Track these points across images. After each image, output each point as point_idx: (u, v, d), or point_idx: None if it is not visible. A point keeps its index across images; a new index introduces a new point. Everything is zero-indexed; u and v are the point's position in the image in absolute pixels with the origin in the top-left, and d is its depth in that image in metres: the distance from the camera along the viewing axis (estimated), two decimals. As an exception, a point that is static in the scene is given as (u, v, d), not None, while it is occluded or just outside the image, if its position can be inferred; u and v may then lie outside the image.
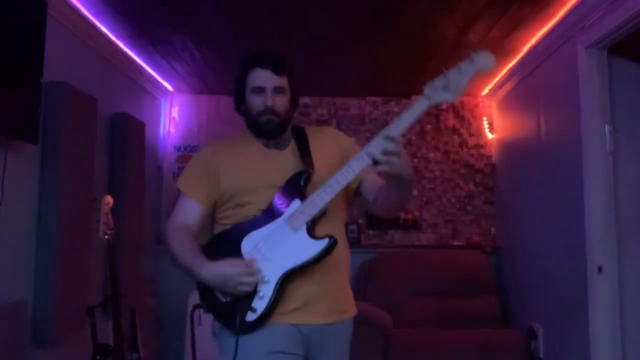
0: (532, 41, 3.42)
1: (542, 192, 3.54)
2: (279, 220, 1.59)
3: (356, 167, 1.54)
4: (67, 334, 2.81)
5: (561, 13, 3.00)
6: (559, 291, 3.28)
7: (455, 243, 4.57)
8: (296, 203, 1.59)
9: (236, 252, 1.59)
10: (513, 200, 4.18)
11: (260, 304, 1.56)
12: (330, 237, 1.56)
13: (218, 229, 1.74)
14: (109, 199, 2.72)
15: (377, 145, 1.49)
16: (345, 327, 1.73)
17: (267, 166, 1.69)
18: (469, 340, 3.59)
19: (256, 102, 1.69)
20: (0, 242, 2.41)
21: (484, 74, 1.58)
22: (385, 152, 1.47)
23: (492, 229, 4.59)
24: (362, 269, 4.29)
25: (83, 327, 2.80)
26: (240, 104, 1.76)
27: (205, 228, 1.78)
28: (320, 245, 1.56)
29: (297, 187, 1.61)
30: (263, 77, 1.68)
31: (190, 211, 1.72)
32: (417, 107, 1.55)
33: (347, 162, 1.55)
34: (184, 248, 1.63)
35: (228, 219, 1.70)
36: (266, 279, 1.56)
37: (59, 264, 2.67)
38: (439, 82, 1.57)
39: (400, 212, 1.59)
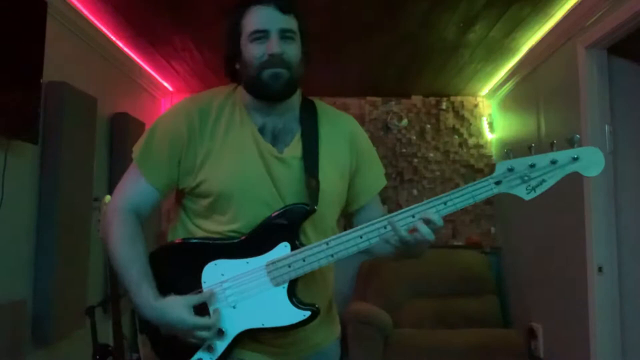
0: (532, 41, 3.42)
1: (542, 192, 3.53)
2: (258, 262, 1.24)
3: (373, 236, 1.22)
4: (67, 333, 2.81)
5: (561, 13, 3.00)
6: (559, 291, 3.28)
7: (455, 243, 4.57)
8: (285, 248, 1.24)
9: (195, 279, 1.24)
10: (513, 200, 4.17)
11: (207, 357, 1.23)
12: (313, 307, 1.24)
13: (184, 221, 1.35)
14: (109, 199, 2.71)
15: (407, 221, 1.20)
16: (325, 352, 1.41)
17: (261, 172, 1.27)
18: (469, 340, 3.59)
19: (257, 51, 1.25)
20: (0, 242, 2.41)
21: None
22: (416, 237, 1.18)
23: (492, 229, 4.59)
24: (362, 269, 4.29)
25: (83, 327, 2.80)
26: (234, 63, 1.31)
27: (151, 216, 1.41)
28: (298, 316, 1.23)
29: (291, 226, 1.24)
30: (265, 17, 1.25)
31: (141, 194, 1.32)
32: (479, 192, 1.24)
33: (362, 228, 1.22)
34: (131, 259, 1.24)
35: (198, 219, 1.32)
36: (224, 330, 1.23)
37: (59, 264, 2.67)
38: (519, 166, 1.21)
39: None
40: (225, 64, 1.34)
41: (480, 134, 4.66)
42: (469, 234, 4.59)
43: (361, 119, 4.69)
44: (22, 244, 2.58)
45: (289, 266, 1.22)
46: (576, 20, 2.91)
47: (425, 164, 4.63)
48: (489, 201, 4.59)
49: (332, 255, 1.22)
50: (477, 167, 4.63)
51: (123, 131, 3.61)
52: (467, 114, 4.69)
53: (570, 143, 1.19)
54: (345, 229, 1.27)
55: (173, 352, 1.26)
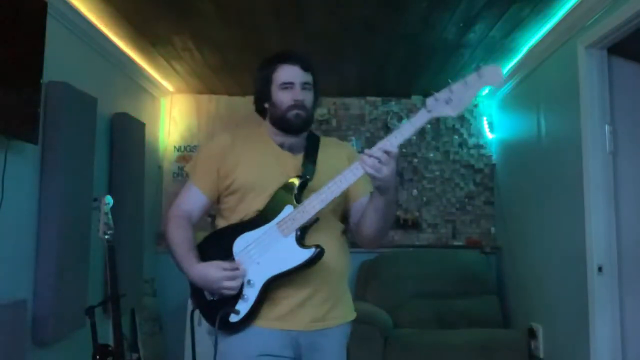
0: (532, 41, 3.42)
1: (542, 192, 3.54)
2: (270, 224, 1.61)
3: (349, 176, 1.55)
4: (67, 334, 2.81)
5: (561, 13, 3.00)
6: (559, 291, 3.28)
7: (455, 243, 4.57)
8: (288, 208, 1.61)
9: (228, 252, 1.63)
10: (513, 200, 4.18)
11: (243, 307, 1.59)
12: (317, 247, 1.56)
13: (219, 221, 1.76)
14: (109, 199, 2.72)
15: (370, 160, 1.48)
16: (337, 332, 1.71)
17: (276, 168, 1.70)
18: (469, 340, 3.59)
19: (286, 97, 1.69)
20: (1, 242, 2.41)
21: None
22: (376, 164, 1.47)
23: (492, 229, 4.58)
24: (362, 269, 4.29)
25: (83, 327, 2.80)
26: (263, 103, 1.76)
27: (203, 218, 1.83)
28: (306, 254, 1.56)
29: (291, 192, 1.62)
30: (292, 73, 1.70)
31: (194, 200, 1.75)
32: (417, 120, 1.51)
33: (341, 172, 1.56)
34: (181, 242, 1.67)
35: (229, 212, 1.72)
36: (252, 282, 1.58)
37: (59, 264, 2.67)
38: (442, 94, 1.51)
39: (379, 241, 1.72)
40: (256, 103, 1.80)
41: (480, 134, 4.67)
42: (469, 234, 4.59)
43: (361, 119, 4.70)
44: (22, 244, 2.58)
45: (293, 219, 1.59)
46: (576, 20, 2.91)
47: (425, 164, 4.63)
48: (489, 201, 4.60)
49: (322, 200, 1.57)
50: (477, 167, 4.63)
51: (123, 131, 3.61)
52: (467, 114, 4.68)
53: (477, 69, 1.51)
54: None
55: (217, 308, 1.59)
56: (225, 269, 1.58)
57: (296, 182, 1.63)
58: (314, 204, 1.57)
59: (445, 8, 2.97)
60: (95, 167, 3.13)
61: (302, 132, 1.74)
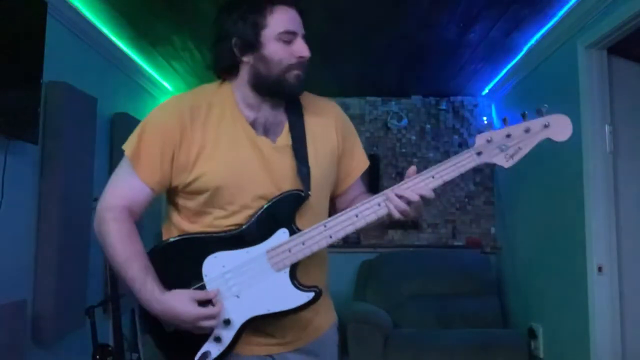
0: (532, 41, 3.42)
1: (542, 192, 3.53)
2: (257, 250, 1.26)
3: (368, 217, 1.26)
4: (67, 334, 2.81)
5: (561, 13, 2.99)
6: (559, 291, 3.27)
7: (455, 243, 4.58)
8: (283, 234, 1.26)
9: (195, 272, 1.26)
10: (513, 200, 4.18)
11: (215, 349, 1.25)
12: (317, 290, 1.27)
13: (174, 216, 1.36)
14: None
15: (399, 201, 1.25)
16: (324, 340, 1.44)
17: (257, 164, 1.30)
18: (469, 340, 3.59)
19: (285, 52, 1.28)
20: (0, 242, 2.41)
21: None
22: (406, 209, 1.24)
23: (492, 229, 4.59)
24: (362, 269, 4.29)
25: (83, 327, 2.80)
26: (243, 55, 1.31)
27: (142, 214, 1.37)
28: (302, 298, 1.26)
29: (287, 212, 1.28)
30: (294, 19, 1.30)
31: (134, 192, 1.30)
32: (464, 164, 1.28)
33: (357, 207, 1.26)
34: (131, 257, 1.24)
35: (193, 216, 1.32)
36: (229, 320, 1.25)
37: (59, 264, 2.67)
38: (497, 136, 1.26)
39: None
40: (224, 55, 1.35)
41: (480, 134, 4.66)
42: (469, 234, 4.59)
43: (361, 119, 4.69)
44: (22, 244, 2.58)
45: (290, 251, 1.25)
46: (576, 20, 2.91)
47: (425, 164, 4.62)
48: (489, 201, 4.60)
49: (330, 236, 1.26)
50: (477, 167, 4.62)
51: (123, 131, 3.60)
52: (467, 114, 4.69)
53: (540, 113, 1.26)
54: (329, 212, 1.33)
55: (180, 348, 1.27)
56: (199, 304, 1.21)
57: (293, 199, 1.28)
58: (318, 240, 1.25)
59: (445, 8, 2.97)
60: (95, 167, 3.13)
61: (294, 100, 1.36)
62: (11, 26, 2.29)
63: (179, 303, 1.19)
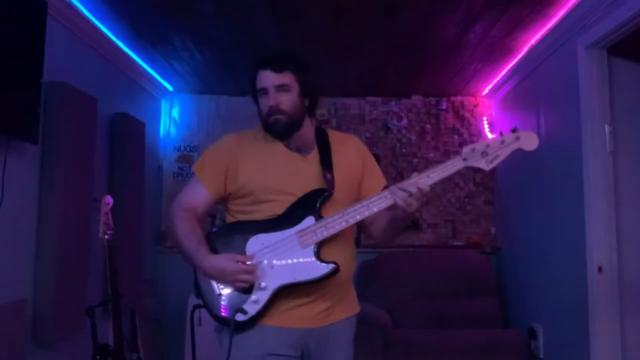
0: (532, 41, 3.42)
1: (542, 192, 3.54)
2: (289, 232, 1.61)
3: (379, 203, 1.59)
4: (67, 334, 2.81)
5: (561, 13, 3.00)
6: (559, 291, 3.28)
7: (455, 243, 4.57)
8: (310, 220, 1.62)
9: (240, 249, 1.62)
10: (513, 200, 4.18)
11: (252, 308, 1.59)
12: (335, 264, 1.59)
13: (230, 220, 1.76)
14: (109, 199, 2.72)
15: (402, 192, 1.55)
16: (343, 325, 1.74)
17: (289, 171, 1.70)
18: (469, 340, 3.59)
19: (263, 104, 1.69)
20: (0, 242, 2.41)
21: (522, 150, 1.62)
22: (407, 198, 1.54)
23: (492, 229, 4.59)
24: (362, 269, 4.28)
25: (83, 327, 2.80)
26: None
27: (205, 216, 1.83)
28: (324, 269, 1.58)
29: (314, 204, 1.63)
30: (264, 78, 1.68)
31: (198, 196, 1.74)
32: (452, 166, 1.60)
33: (369, 198, 1.61)
34: (189, 233, 1.65)
35: (242, 215, 1.71)
36: (263, 285, 1.59)
37: (59, 264, 2.67)
38: (479, 146, 1.60)
39: (387, 242, 1.88)
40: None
41: (480, 134, 4.67)
42: (469, 234, 4.59)
43: (361, 119, 4.70)
44: (22, 244, 2.58)
45: (315, 232, 1.60)
46: (576, 20, 2.91)
47: (425, 164, 4.62)
48: (489, 201, 4.60)
49: (346, 221, 1.60)
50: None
51: (123, 131, 3.61)
52: (467, 114, 4.69)
53: (514, 131, 1.61)
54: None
55: (225, 302, 1.61)
56: (241, 262, 1.58)
57: (319, 194, 1.65)
58: (337, 223, 1.60)
59: (445, 8, 2.97)
60: (95, 167, 3.13)
61: (286, 137, 1.72)
62: (11, 26, 2.29)
63: (223, 260, 1.59)
